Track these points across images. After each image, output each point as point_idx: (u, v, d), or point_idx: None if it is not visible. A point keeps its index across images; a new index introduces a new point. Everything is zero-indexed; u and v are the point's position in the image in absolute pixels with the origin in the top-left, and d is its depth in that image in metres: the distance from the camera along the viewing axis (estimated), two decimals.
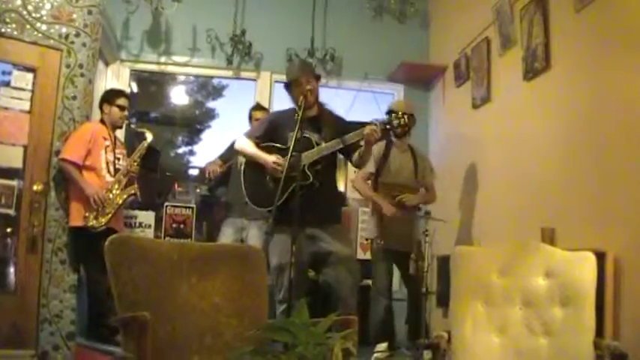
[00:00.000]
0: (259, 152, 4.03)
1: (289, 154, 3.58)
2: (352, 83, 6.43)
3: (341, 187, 5.81)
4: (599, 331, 2.72)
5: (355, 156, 3.98)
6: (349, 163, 4.47)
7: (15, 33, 4.16)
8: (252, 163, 4.07)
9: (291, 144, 3.59)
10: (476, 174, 5.28)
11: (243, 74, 6.38)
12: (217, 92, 9.95)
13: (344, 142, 3.89)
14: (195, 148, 10.38)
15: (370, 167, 4.93)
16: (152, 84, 8.50)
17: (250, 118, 5.46)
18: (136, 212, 5.47)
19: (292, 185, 3.64)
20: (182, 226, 5.63)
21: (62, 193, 4.29)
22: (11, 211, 4.15)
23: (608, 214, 3.45)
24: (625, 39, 3.41)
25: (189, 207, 5.76)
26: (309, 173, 3.86)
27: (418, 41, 6.56)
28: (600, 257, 2.95)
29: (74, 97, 4.35)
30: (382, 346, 4.72)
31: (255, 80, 6.40)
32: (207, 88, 9.86)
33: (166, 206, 5.68)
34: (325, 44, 6.33)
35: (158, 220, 5.60)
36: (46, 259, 4.17)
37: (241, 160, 5.25)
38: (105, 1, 4.67)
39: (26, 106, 4.23)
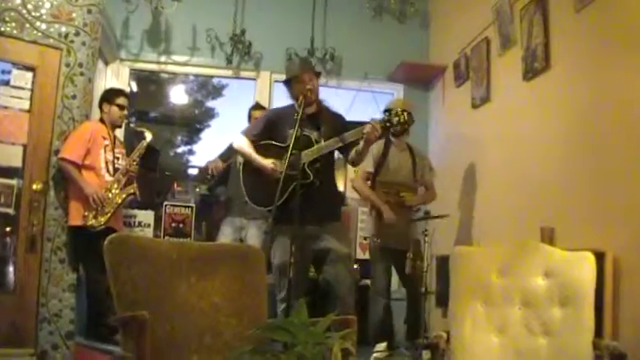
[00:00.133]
0: (256, 155, 4.03)
1: (289, 153, 3.58)
2: (352, 83, 6.43)
3: (340, 187, 5.81)
4: (599, 331, 2.72)
5: (352, 154, 3.98)
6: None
7: (14, 32, 4.16)
8: (251, 164, 4.07)
9: (291, 142, 3.58)
10: (475, 174, 5.28)
11: (243, 74, 6.38)
12: (217, 92, 9.96)
13: (343, 141, 3.89)
14: (195, 147, 10.40)
15: (369, 167, 4.94)
16: (152, 83, 8.51)
17: (250, 117, 5.46)
18: (136, 211, 5.47)
19: (292, 184, 3.64)
20: (181, 225, 5.63)
21: (61, 193, 4.29)
22: (10, 210, 4.15)
23: (608, 214, 3.45)
24: (625, 39, 3.41)
25: (188, 206, 5.76)
26: (309, 172, 3.86)
27: (418, 41, 6.56)
28: (599, 257, 2.95)
29: (74, 97, 4.34)
30: (381, 345, 4.72)
31: (254, 80, 6.40)
32: (207, 88, 9.86)
33: (166, 205, 5.68)
34: (325, 44, 6.33)
35: (157, 220, 5.60)
36: (46, 258, 4.17)
37: (240, 159, 5.26)
38: (105, 0, 4.66)
39: (26, 105, 4.23)
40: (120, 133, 5.17)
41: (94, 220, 4.29)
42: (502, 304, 2.80)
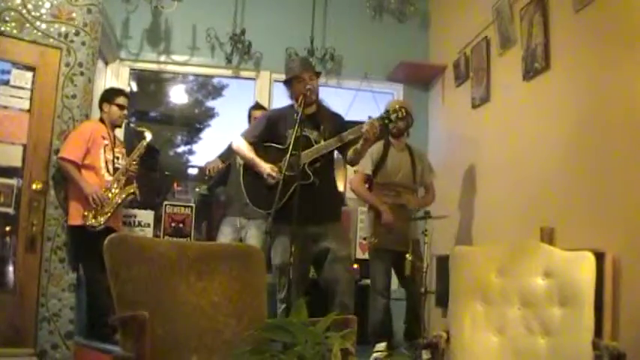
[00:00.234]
0: (255, 159, 4.02)
1: (288, 154, 3.58)
2: (352, 83, 6.42)
3: (340, 187, 5.81)
4: (598, 332, 2.72)
5: (349, 153, 3.98)
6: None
7: (14, 32, 4.16)
8: (250, 166, 4.07)
9: (291, 143, 3.58)
10: (475, 174, 5.28)
11: (243, 73, 6.37)
12: (217, 91, 9.95)
13: (342, 140, 3.89)
14: (195, 147, 10.39)
15: (367, 169, 4.94)
16: (151, 83, 8.51)
17: (250, 117, 5.47)
18: (135, 211, 5.47)
19: (293, 185, 3.63)
20: (181, 225, 5.63)
21: (61, 192, 4.29)
22: (10, 210, 4.15)
23: (607, 214, 3.45)
24: (625, 39, 3.41)
25: (188, 206, 5.76)
26: (309, 172, 3.86)
27: (418, 41, 6.56)
28: (599, 257, 2.95)
29: (74, 96, 4.35)
30: (381, 345, 4.72)
31: (254, 79, 6.40)
32: (207, 88, 9.86)
33: (165, 205, 5.69)
34: (325, 44, 6.33)
35: (157, 220, 5.60)
36: (45, 258, 4.17)
37: (240, 159, 5.26)
38: (105, 0, 4.66)
39: (26, 105, 4.23)
40: (120, 132, 5.17)
41: (93, 220, 4.29)
42: (502, 304, 2.80)
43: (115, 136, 4.70)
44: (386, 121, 3.87)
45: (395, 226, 4.75)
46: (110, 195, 4.40)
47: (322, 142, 3.92)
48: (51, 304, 4.16)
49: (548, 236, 3.79)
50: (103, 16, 4.73)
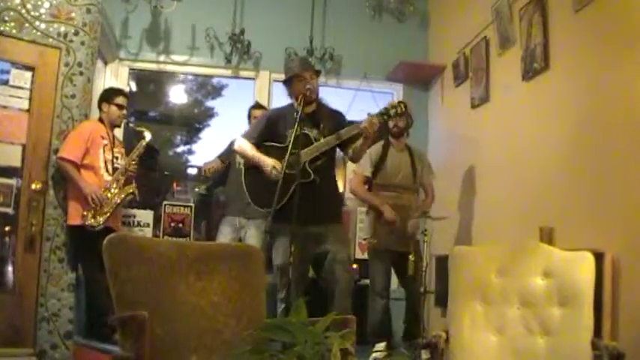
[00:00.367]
0: (258, 155, 4.02)
1: (288, 153, 3.58)
2: (351, 82, 6.42)
3: (340, 187, 5.81)
4: (597, 331, 2.73)
5: (349, 150, 4.00)
6: (347, 164, 4.46)
7: (14, 32, 4.15)
8: (252, 165, 4.07)
9: (290, 142, 3.58)
10: (474, 174, 5.28)
11: (242, 73, 6.37)
12: (216, 91, 9.95)
13: (340, 138, 3.89)
14: (194, 147, 10.39)
15: (366, 170, 4.94)
16: (151, 83, 8.51)
17: (249, 116, 5.47)
18: (135, 211, 5.46)
19: (293, 184, 3.63)
20: (181, 225, 5.63)
21: (61, 192, 4.29)
22: (10, 210, 4.15)
23: (607, 214, 3.45)
24: (624, 39, 3.41)
25: (187, 206, 5.76)
26: (309, 170, 3.86)
27: (417, 41, 6.56)
28: (599, 257, 2.95)
29: (73, 96, 4.34)
30: (381, 345, 4.72)
31: (253, 79, 6.40)
32: (206, 88, 9.86)
33: (165, 205, 5.68)
34: (324, 43, 6.33)
35: (157, 219, 5.60)
36: (45, 257, 4.16)
37: (239, 159, 5.27)
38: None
39: (25, 104, 4.22)
40: (119, 132, 5.17)
41: (92, 220, 4.28)
42: (501, 304, 2.80)
43: (114, 136, 4.70)
44: (385, 117, 3.86)
45: (397, 224, 4.74)
46: (109, 195, 4.40)
47: (322, 140, 3.92)
48: (50, 304, 4.16)
49: (547, 236, 3.79)
50: (102, 16, 4.72)
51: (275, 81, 6.27)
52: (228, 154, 5.41)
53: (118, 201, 4.46)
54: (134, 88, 7.02)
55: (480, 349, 2.76)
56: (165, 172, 7.06)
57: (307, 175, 3.84)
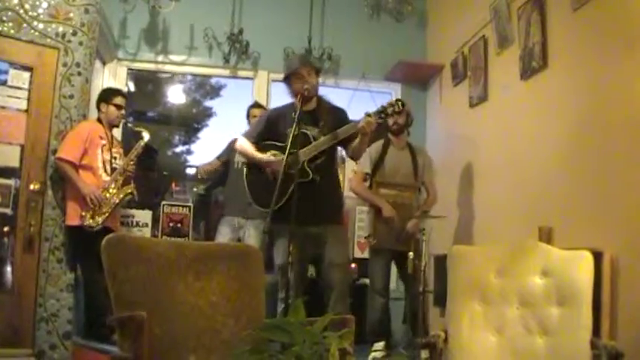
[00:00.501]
0: (256, 153, 4.03)
1: (286, 152, 3.58)
2: (349, 82, 6.41)
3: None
4: (596, 331, 2.73)
5: (349, 149, 4.00)
6: (347, 162, 4.46)
7: (12, 32, 4.15)
8: (253, 165, 4.08)
9: (288, 141, 3.58)
10: (473, 173, 5.28)
11: (241, 73, 6.36)
12: (215, 91, 9.95)
13: (337, 137, 3.89)
14: (193, 147, 10.39)
15: (366, 168, 4.93)
16: (149, 83, 8.50)
17: (248, 116, 5.48)
18: (133, 211, 5.46)
19: (293, 183, 3.63)
20: (179, 225, 5.62)
21: (59, 192, 4.28)
22: (8, 211, 4.14)
23: (606, 213, 3.45)
24: (622, 37, 3.41)
25: (186, 206, 5.75)
26: (307, 170, 3.85)
27: (415, 40, 6.56)
28: (597, 256, 2.95)
29: (71, 96, 4.34)
30: (379, 345, 4.72)
31: (252, 79, 6.39)
32: (205, 88, 9.85)
33: (163, 205, 5.67)
34: (322, 43, 6.32)
35: (155, 219, 5.59)
36: (43, 258, 4.16)
37: (238, 159, 5.27)
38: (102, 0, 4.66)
39: (23, 105, 4.22)
40: (117, 132, 5.16)
41: (91, 220, 4.28)
42: (500, 304, 2.81)
43: (112, 136, 4.70)
44: (382, 116, 3.86)
45: (396, 221, 4.73)
46: (108, 195, 4.40)
47: (320, 139, 3.92)
48: (49, 305, 4.15)
49: (546, 236, 3.80)
50: (100, 16, 4.72)
51: (273, 81, 6.28)
52: (227, 155, 5.41)
53: (117, 201, 4.46)
54: (132, 88, 7.02)
55: (478, 349, 2.76)
56: (164, 172, 7.05)
57: (306, 175, 3.83)
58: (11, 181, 4.17)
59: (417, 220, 4.72)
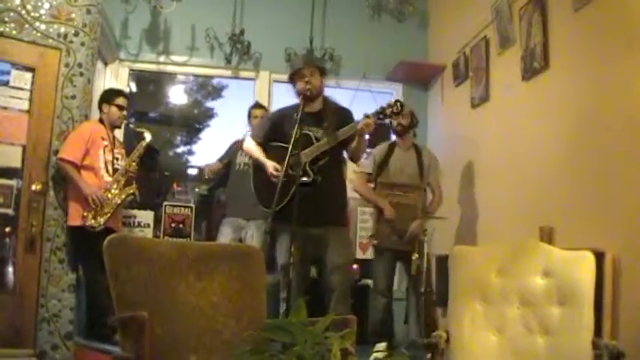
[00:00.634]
0: (261, 156, 4.05)
1: (288, 154, 3.58)
2: (351, 82, 6.42)
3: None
4: (598, 331, 2.72)
5: (348, 150, 4.02)
6: (348, 163, 4.46)
7: (14, 32, 4.15)
8: (259, 166, 4.08)
9: (291, 142, 3.59)
10: (474, 173, 5.28)
11: (242, 74, 6.37)
12: (216, 92, 9.95)
13: (337, 138, 3.88)
14: (194, 147, 10.40)
15: (367, 169, 4.94)
16: (151, 83, 8.51)
17: (250, 116, 5.49)
18: (135, 212, 5.46)
19: (295, 185, 3.63)
20: (181, 225, 5.63)
21: (61, 193, 4.29)
22: (10, 211, 4.14)
23: (607, 213, 3.45)
24: (624, 38, 3.41)
25: (188, 206, 5.76)
26: (309, 171, 3.86)
27: (417, 40, 6.57)
28: (599, 257, 2.94)
29: (73, 97, 4.34)
30: (381, 345, 4.72)
31: (253, 80, 6.40)
32: (207, 88, 9.86)
33: (165, 206, 5.68)
34: (324, 44, 6.33)
35: (157, 220, 5.59)
36: (45, 258, 4.16)
37: (240, 160, 5.29)
38: (104, 0, 4.66)
39: (25, 105, 4.22)
40: (119, 133, 5.17)
41: (93, 221, 4.29)
42: (501, 304, 2.80)
43: (114, 137, 4.70)
44: (381, 116, 3.86)
45: (397, 222, 4.72)
46: (109, 195, 4.41)
47: (321, 140, 3.92)
48: (51, 305, 4.16)
49: (547, 236, 3.79)
50: (102, 17, 4.72)
51: (275, 81, 6.29)
52: (228, 156, 5.43)
53: (119, 202, 4.46)
54: (134, 88, 7.03)
55: (480, 349, 2.76)
56: (166, 173, 7.05)
57: (307, 176, 3.83)
58: (13, 182, 4.17)
59: (420, 220, 4.70)
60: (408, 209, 4.81)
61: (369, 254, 5.61)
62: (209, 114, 10.21)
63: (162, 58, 6.17)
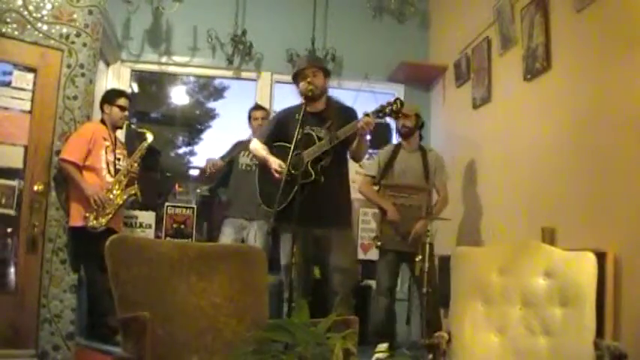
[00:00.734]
0: (266, 155, 4.05)
1: (290, 153, 3.58)
2: (352, 83, 6.42)
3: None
4: (599, 331, 2.72)
5: (350, 150, 4.02)
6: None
7: (16, 33, 4.16)
8: (265, 166, 4.09)
9: (293, 142, 3.59)
10: (476, 174, 5.28)
11: (244, 74, 6.38)
12: (218, 92, 9.97)
13: (337, 138, 3.88)
14: (196, 148, 10.42)
15: (372, 171, 4.94)
16: (153, 84, 8.52)
17: (250, 118, 5.49)
18: (137, 212, 5.46)
19: (297, 184, 3.62)
20: (182, 226, 5.63)
21: (63, 193, 4.29)
22: (12, 211, 4.14)
23: (609, 213, 3.45)
24: (626, 38, 3.40)
25: (189, 207, 5.76)
26: (311, 170, 3.85)
27: (418, 41, 6.57)
28: (600, 257, 2.94)
29: (75, 97, 4.34)
30: (383, 346, 4.71)
31: (255, 80, 6.40)
32: (208, 89, 9.88)
33: (167, 206, 5.68)
34: (325, 44, 6.33)
35: (159, 221, 5.60)
36: (47, 259, 4.16)
37: (242, 161, 5.29)
38: (105, 1, 4.66)
39: (27, 106, 4.23)
40: (121, 134, 5.17)
41: (94, 221, 4.29)
42: (503, 304, 2.80)
43: (116, 138, 4.70)
44: (380, 114, 3.86)
45: (400, 223, 4.71)
46: (111, 196, 4.41)
47: (323, 140, 3.92)
48: (52, 306, 4.16)
49: (549, 236, 3.79)
50: (104, 18, 4.73)
51: (277, 82, 6.29)
52: (230, 155, 5.43)
53: (120, 202, 4.46)
54: (136, 89, 7.03)
55: (481, 350, 2.75)
56: (167, 174, 7.06)
57: (309, 176, 3.83)
58: (15, 182, 4.17)
59: (424, 221, 4.69)
60: (412, 211, 4.79)
61: (371, 255, 5.60)
62: (211, 115, 10.23)
63: (164, 59, 6.18)
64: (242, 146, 5.35)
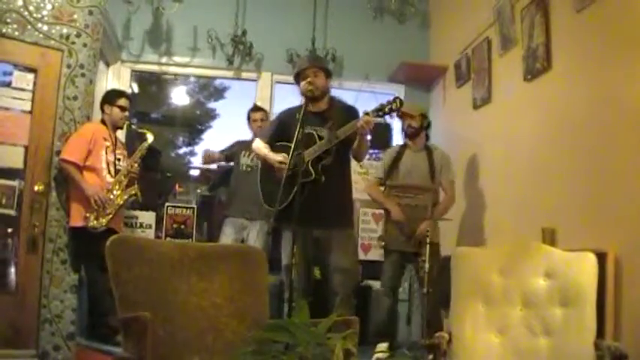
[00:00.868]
0: (268, 153, 4.06)
1: (291, 153, 3.59)
2: (353, 84, 6.42)
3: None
4: (600, 332, 2.71)
5: (351, 149, 4.01)
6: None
7: (16, 33, 4.16)
8: (267, 165, 4.09)
9: (294, 142, 3.59)
10: (476, 174, 5.28)
11: (244, 75, 6.38)
12: (218, 93, 9.98)
13: (337, 137, 3.88)
14: (196, 148, 10.42)
15: (379, 173, 4.95)
16: (153, 84, 8.53)
17: (249, 119, 5.50)
18: (137, 213, 5.47)
19: (298, 184, 3.62)
20: (183, 226, 5.63)
21: (63, 194, 4.29)
22: (12, 212, 4.15)
23: (609, 214, 3.45)
24: (626, 39, 3.40)
25: (189, 207, 5.76)
26: (311, 170, 3.85)
27: (418, 41, 6.57)
28: (601, 257, 2.94)
29: (75, 98, 4.35)
30: (383, 345, 4.71)
31: (255, 81, 6.40)
32: (208, 89, 9.89)
33: (167, 207, 5.68)
34: (326, 45, 6.33)
35: (159, 221, 5.60)
36: (47, 259, 4.17)
37: (244, 161, 5.30)
38: (106, 1, 4.67)
39: (27, 106, 4.23)
40: (121, 134, 5.17)
41: (95, 222, 4.29)
42: (503, 305, 2.80)
43: (116, 138, 4.70)
44: (380, 113, 3.86)
45: (406, 223, 4.70)
46: (112, 196, 4.41)
47: (324, 139, 3.92)
48: (53, 306, 4.16)
49: (549, 237, 3.79)
50: (104, 18, 4.73)
51: (277, 82, 6.29)
52: (230, 152, 5.45)
53: (121, 202, 4.47)
54: (136, 89, 7.03)
55: (482, 350, 2.75)
56: (168, 174, 7.06)
57: (309, 175, 3.83)
58: (15, 182, 4.18)
59: (429, 221, 4.68)
60: (417, 211, 4.76)
61: (371, 255, 5.61)
62: (211, 115, 10.24)
63: (164, 59, 6.19)
64: (243, 146, 5.36)
